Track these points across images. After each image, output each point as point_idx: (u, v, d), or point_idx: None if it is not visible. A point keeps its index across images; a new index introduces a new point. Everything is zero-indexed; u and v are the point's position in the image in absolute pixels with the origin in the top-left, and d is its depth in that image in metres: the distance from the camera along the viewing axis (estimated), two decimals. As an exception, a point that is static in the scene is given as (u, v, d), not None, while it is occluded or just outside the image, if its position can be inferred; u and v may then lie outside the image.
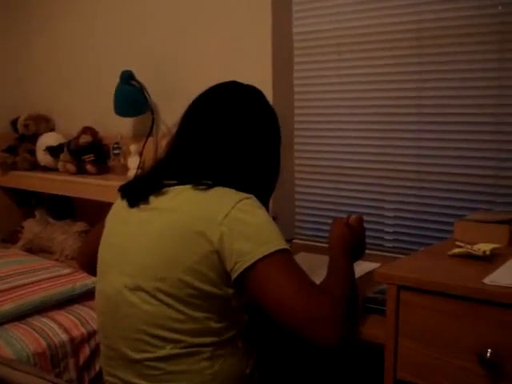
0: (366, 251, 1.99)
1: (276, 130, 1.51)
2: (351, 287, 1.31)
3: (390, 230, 2.06)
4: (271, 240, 1.24)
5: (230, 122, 1.40)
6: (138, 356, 1.29)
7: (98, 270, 1.44)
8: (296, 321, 1.18)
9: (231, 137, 1.39)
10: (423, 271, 1.22)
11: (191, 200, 1.31)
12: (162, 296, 1.26)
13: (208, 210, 1.27)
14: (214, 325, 1.29)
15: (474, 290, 1.10)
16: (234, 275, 1.24)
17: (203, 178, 1.33)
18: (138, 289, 1.29)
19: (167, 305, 1.26)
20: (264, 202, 1.39)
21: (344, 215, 1.55)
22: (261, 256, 1.21)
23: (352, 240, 1.45)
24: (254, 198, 1.31)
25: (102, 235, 1.47)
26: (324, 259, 1.42)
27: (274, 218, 1.65)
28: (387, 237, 2.06)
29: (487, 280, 1.12)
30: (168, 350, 1.27)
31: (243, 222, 1.25)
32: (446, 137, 1.88)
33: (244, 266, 1.21)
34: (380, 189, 2.06)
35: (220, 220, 1.24)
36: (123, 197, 1.43)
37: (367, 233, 2.04)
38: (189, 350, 1.27)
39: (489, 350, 1.07)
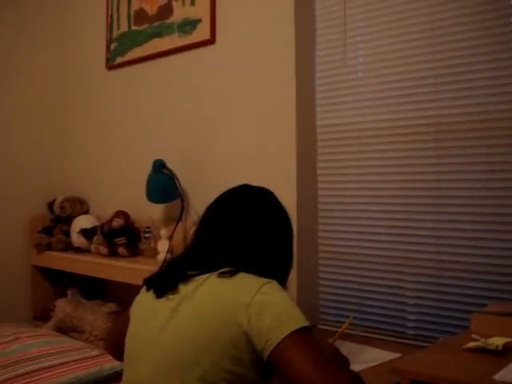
0: (389, 339, 2.03)
1: (287, 225, 1.60)
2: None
3: (412, 317, 2.08)
4: (295, 318, 1.31)
5: (246, 221, 1.51)
6: None
7: (126, 360, 1.49)
8: None
9: (247, 233, 1.49)
10: (436, 366, 1.25)
11: (218, 287, 1.38)
12: (194, 382, 1.30)
13: (235, 296, 1.34)
14: None
15: (484, 387, 1.14)
16: (266, 353, 1.28)
17: (224, 266, 1.42)
18: (169, 377, 1.33)
19: None
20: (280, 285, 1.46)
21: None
22: (288, 332, 1.27)
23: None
24: (275, 282, 1.39)
25: (127, 324, 1.53)
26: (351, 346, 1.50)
27: None
28: (409, 324, 2.08)
29: (497, 376, 1.15)
30: None
31: (268, 303, 1.32)
32: (464, 227, 1.94)
33: (276, 342, 1.27)
34: (401, 276, 2.09)
35: (247, 304, 1.31)
36: (149, 288, 1.50)
37: (388, 319, 2.09)
38: None
39: None
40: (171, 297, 1.42)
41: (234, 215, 1.53)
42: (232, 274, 1.40)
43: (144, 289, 1.53)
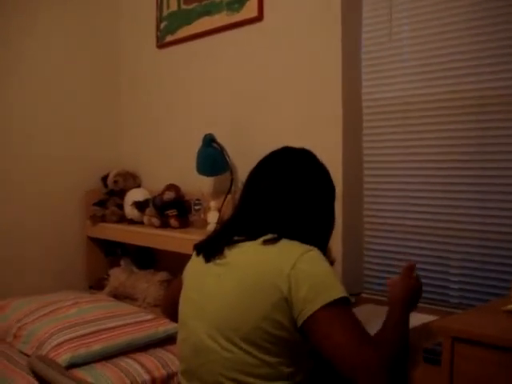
0: (432, 307, 2.08)
1: (329, 186, 1.65)
2: (403, 340, 1.43)
3: (456, 286, 2.13)
4: (332, 289, 1.39)
5: (288, 184, 1.56)
6: None
7: (180, 321, 1.60)
8: (346, 367, 1.32)
9: (289, 196, 1.55)
10: (477, 325, 1.31)
11: (261, 254, 1.47)
12: (240, 342, 1.40)
13: (277, 263, 1.42)
14: (285, 369, 1.42)
15: (521, 343, 1.19)
16: (300, 321, 1.38)
17: (268, 232, 1.50)
18: (218, 337, 1.43)
19: (245, 351, 1.40)
20: (322, 248, 1.53)
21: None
22: (323, 304, 1.35)
23: (409, 294, 1.56)
24: (317, 250, 1.46)
25: (180, 288, 1.64)
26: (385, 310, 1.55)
27: (332, 262, 1.80)
28: (452, 293, 2.13)
29: (535, 334, 1.21)
30: None
31: (308, 272, 1.40)
32: (507, 198, 1.97)
33: (308, 314, 1.36)
34: (445, 247, 2.14)
35: (287, 272, 1.39)
36: (199, 253, 1.61)
37: (432, 288, 2.14)
38: None
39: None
40: (218, 261, 1.52)
41: (277, 178, 1.57)
42: (275, 241, 1.47)
43: (194, 254, 1.63)
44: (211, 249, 1.57)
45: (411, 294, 1.57)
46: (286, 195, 1.55)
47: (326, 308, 1.35)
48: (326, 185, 1.64)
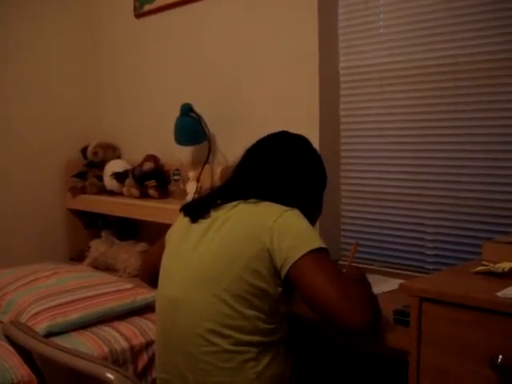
0: (408, 273, 2.13)
1: (320, 171, 1.74)
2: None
3: (431, 252, 2.15)
4: (314, 239, 1.46)
5: (281, 162, 1.65)
6: (194, 350, 1.46)
7: (162, 276, 1.64)
8: (335, 307, 1.37)
9: (280, 172, 1.63)
10: (444, 285, 1.33)
11: (245, 211, 1.54)
12: (221, 293, 1.44)
13: (259, 218, 1.49)
14: (261, 325, 1.46)
15: (487, 302, 1.20)
16: (286, 269, 1.43)
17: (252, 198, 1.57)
18: (199, 288, 1.48)
19: (223, 301, 1.44)
20: None
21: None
22: (308, 250, 1.42)
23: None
24: (298, 211, 1.53)
25: (160, 252, 1.69)
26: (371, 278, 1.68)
27: None
28: (428, 259, 2.16)
29: (500, 293, 1.22)
30: (219, 345, 1.44)
31: (289, 225, 1.47)
32: (482, 164, 1.98)
33: (294, 260, 1.41)
34: (421, 213, 2.16)
35: (270, 225, 1.46)
36: (186, 215, 1.65)
37: (408, 255, 2.18)
38: (238, 347, 1.44)
39: (500, 356, 1.17)
40: (203, 221, 1.58)
41: (271, 156, 1.66)
42: (258, 202, 1.54)
43: (181, 216, 1.68)
44: (198, 210, 1.63)
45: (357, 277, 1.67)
46: (277, 171, 1.63)
47: (311, 254, 1.41)
48: (317, 170, 1.74)
